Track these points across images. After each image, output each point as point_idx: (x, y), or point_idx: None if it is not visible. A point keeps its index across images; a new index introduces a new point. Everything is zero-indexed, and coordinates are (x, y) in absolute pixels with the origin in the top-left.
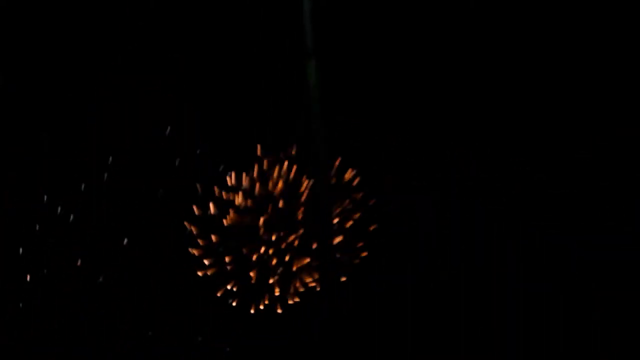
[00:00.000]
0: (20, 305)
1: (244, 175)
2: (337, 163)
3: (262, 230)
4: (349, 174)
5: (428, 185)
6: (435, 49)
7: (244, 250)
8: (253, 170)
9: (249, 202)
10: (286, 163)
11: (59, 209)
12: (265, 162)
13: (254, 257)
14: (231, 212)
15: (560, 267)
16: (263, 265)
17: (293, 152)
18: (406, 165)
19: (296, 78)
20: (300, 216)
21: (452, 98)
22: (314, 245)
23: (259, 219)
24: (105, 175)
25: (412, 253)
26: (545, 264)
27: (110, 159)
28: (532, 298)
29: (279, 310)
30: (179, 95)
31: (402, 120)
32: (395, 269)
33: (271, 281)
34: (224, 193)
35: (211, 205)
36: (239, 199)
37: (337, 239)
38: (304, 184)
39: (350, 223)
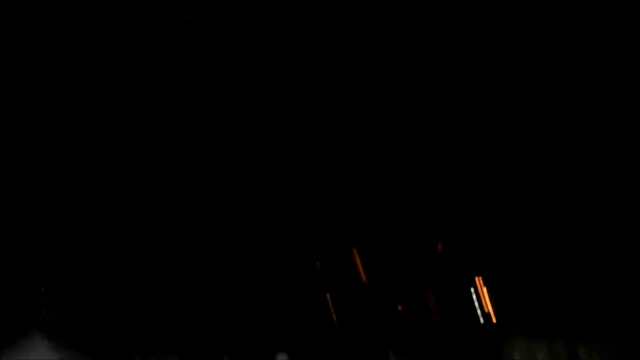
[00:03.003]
0: (20, 305)
1: None
2: None
3: None
4: None
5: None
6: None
7: None
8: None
9: None
10: None
11: (59, 208)
12: None
13: None
14: None
15: (560, 267)
16: None
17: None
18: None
19: None
20: None
21: (450, 96)
22: None
23: None
24: (106, 175)
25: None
26: (545, 264)
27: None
28: (532, 298)
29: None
30: (179, 95)
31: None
32: (395, 268)
33: None
34: None
35: None
36: None
37: None
38: None
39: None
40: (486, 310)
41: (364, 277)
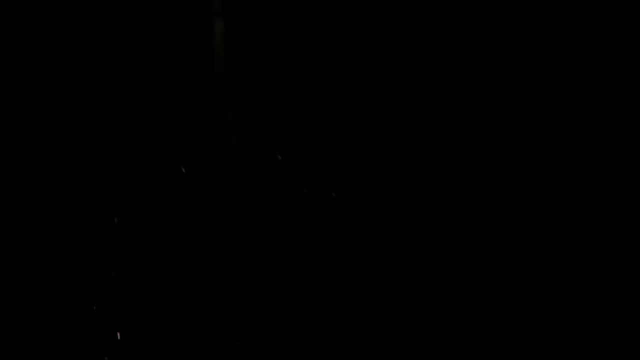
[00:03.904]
0: (23, 305)
1: None
2: None
3: None
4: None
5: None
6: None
7: None
8: None
9: None
10: None
11: (59, 209)
12: None
13: None
14: None
15: (560, 266)
16: None
17: None
18: (399, 168)
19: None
20: None
21: (445, 97)
22: None
23: None
24: (106, 175)
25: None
26: (545, 263)
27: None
28: (532, 296)
29: None
30: (175, 95)
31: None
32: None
33: None
34: None
35: None
36: None
37: None
38: None
39: None
40: None
41: None
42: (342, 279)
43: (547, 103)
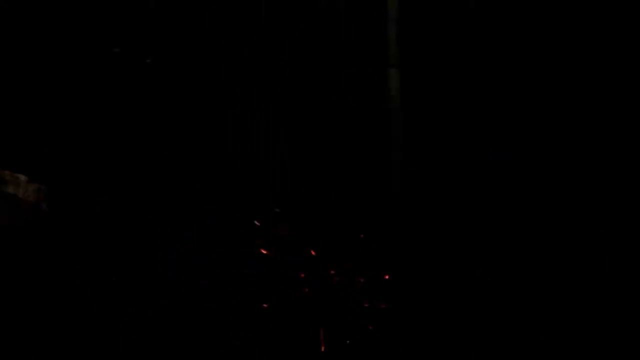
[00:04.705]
0: (23, 306)
1: None
2: None
3: None
4: None
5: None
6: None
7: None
8: None
9: None
10: None
11: (59, 210)
12: None
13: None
14: None
15: (561, 265)
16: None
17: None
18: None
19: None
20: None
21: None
22: None
23: None
24: (107, 175)
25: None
26: (546, 264)
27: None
28: (533, 297)
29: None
30: (172, 95)
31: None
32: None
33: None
34: None
35: None
36: None
37: None
38: None
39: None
40: None
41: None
42: (342, 279)
43: (547, 103)
